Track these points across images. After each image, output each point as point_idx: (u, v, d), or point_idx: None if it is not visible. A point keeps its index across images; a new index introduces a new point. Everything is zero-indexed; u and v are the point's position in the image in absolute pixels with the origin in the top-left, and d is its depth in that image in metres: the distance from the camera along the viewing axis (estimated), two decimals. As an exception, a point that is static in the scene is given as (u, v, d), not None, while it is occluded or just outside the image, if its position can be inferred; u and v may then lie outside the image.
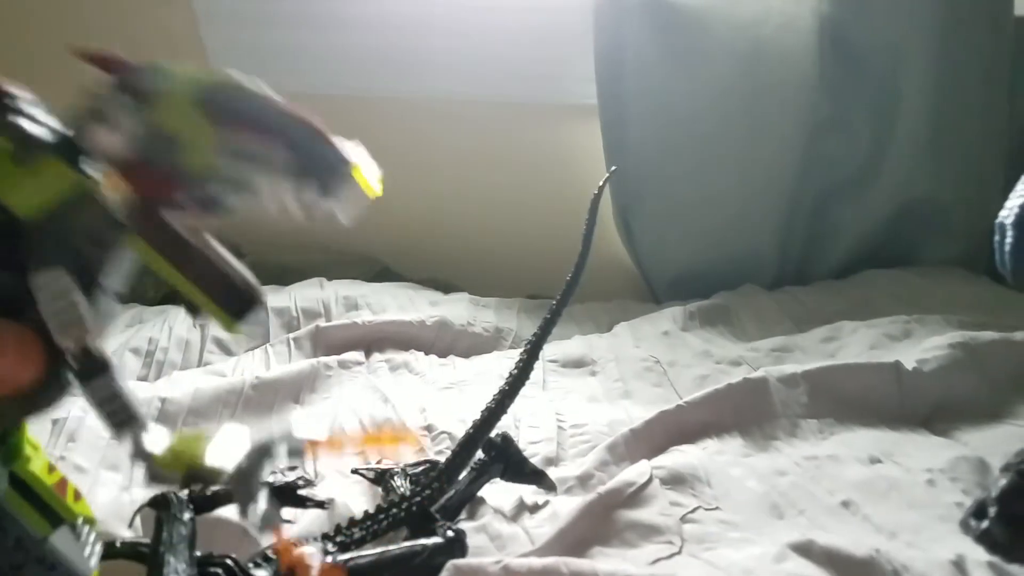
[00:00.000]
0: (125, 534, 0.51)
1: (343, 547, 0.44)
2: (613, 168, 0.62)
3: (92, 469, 0.61)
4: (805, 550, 0.47)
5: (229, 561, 0.40)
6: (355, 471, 0.58)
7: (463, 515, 0.54)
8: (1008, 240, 0.53)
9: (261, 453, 0.30)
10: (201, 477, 0.29)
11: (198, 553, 0.41)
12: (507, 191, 1.16)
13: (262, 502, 0.29)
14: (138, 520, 0.44)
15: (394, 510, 0.48)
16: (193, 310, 0.30)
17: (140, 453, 0.28)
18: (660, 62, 0.95)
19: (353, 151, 0.31)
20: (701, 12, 0.92)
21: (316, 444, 0.30)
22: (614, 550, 0.50)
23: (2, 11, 1.10)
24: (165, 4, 1.10)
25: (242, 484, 0.29)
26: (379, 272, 1.16)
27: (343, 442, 0.31)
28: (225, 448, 0.30)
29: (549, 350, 0.85)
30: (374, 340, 0.88)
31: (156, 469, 0.28)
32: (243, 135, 0.28)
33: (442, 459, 0.53)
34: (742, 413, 0.65)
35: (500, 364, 0.82)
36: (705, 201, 0.99)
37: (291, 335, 0.87)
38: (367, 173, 0.31)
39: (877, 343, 0.78)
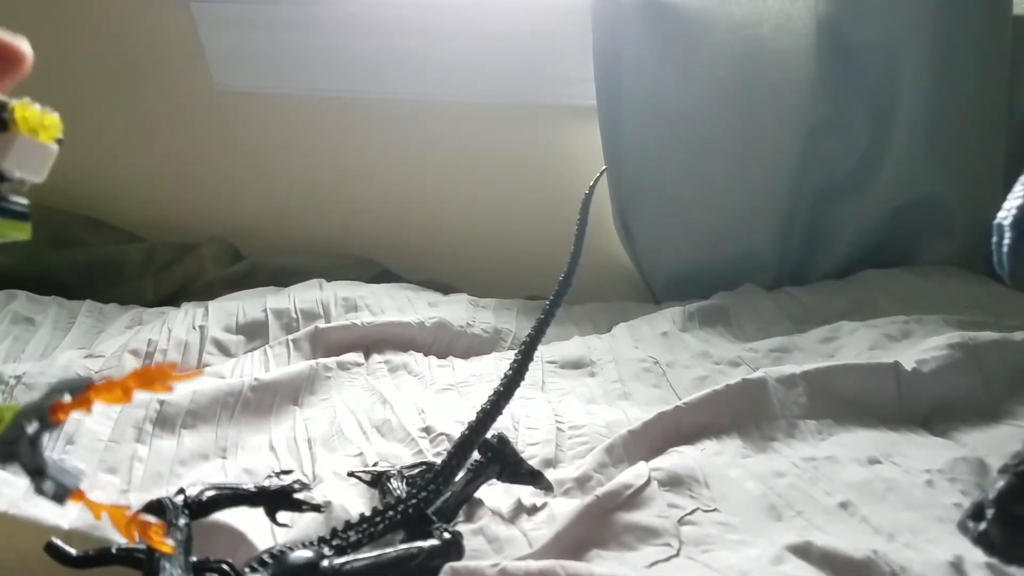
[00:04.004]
0: (121, 540, 0.51)
1: (339, 550, 0.44)
2: (603, 168, 0.62)
3: (90, 472, 0.61)
4: (803, 551, 0.47)
5: (225, 566, 0.40)
6: (351, 474, 0.58)
7: (460, 517, 0.54)
8: (1006, 241, 0.53)
9: (22, 418, 0.28)
10: None
11: (194, 558, 0.41)
12: (506, 192, 1.16)
13: (50, 470, 0.28)
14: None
15: (390, 513, 0.48)
16: None
17: None
18: (658, 62, 0.95)
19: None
20: (698, 12, 0.92)
21: (88, 394, 0.29)
22: (612, 553, 0.50)
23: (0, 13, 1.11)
24: (164, 7, 1.10)
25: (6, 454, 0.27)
26: (378, 273, 1.16)
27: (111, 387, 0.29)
28: None
29: (547, 351, 0.85)
30: (373, 341, 0.88)
31: None
32: None
33: (439, 461, 0.53)
34: (740, 414, 0.65)
35: (499, 365, 0.82)
36: (703, 201, 0.99)
37: (290, 337, 0.87)
38: (28, 117, 0.28)
39: (876, 343, 0.78)
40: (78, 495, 0.28)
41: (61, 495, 0.28)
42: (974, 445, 0.60)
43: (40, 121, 0.28)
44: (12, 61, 0.28)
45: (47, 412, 0.27)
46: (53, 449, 0.62)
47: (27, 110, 0.28)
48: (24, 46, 0.28)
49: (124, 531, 0.29)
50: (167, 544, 0.31)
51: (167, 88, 1.17)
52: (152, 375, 0.28)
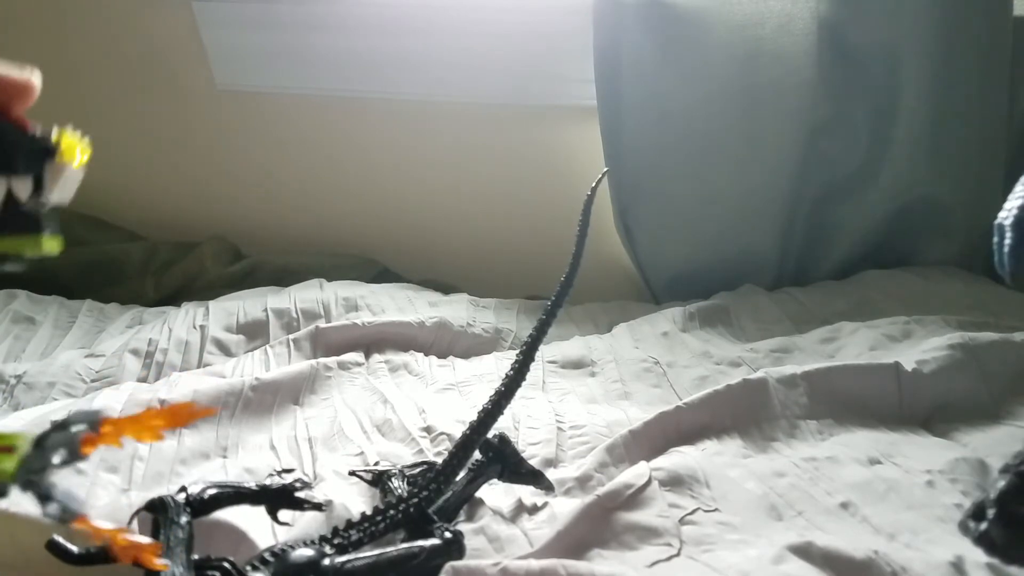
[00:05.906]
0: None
1: (341, 549, 0.44)
2: (605, 170, 0.62)
3: (91, 471, 0.61)
4: (803, 551, 0.47)
5: (227, 564, 0.40)
6: (352, 473, 0.58)
7: (461, 516, 0.54)
8: (1007, 242, 0.53)
9: (50, 449, 0.28)
10: None
11: (196, 556, 0.41)
12: (507, 192, 1.17)
13: (56, 495, 0.28)
14: (136, 523, 0.44)
15: (392, 512, 0.48)
16: None
17: None
18: (659, 63, 0.95)
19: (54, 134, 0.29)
20: (699, 12, 0.92)
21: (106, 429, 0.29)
22: (612, 552, 0.50)
23: (1, 12, 1.10)
24: (165, 6, 1.10)
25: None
26: (379, 273, 1.16)
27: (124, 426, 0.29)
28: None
29: (548, 351, 0.85)
30: (373, 341, 0.88)
31: None
32: None
33: (440, 460, 0.53)
34: (741, 414, 0.65)
35: (499, 365, 0.82)
36: (704, 201, 0.99)
37: (291, 336, 0.87)
38: (71, 147, 0.29)
39: (877, 344, 0.78)
40: (82, 521, 0.29)
41: (67, 519, 0.28)
42: (975, 445, 0.60)
43: (77, 148, 0.29)
44: (22, 93, 0.29)
45: (78, 444, 0.28)
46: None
47: (69, 140, 0.28)
48: (33, 78, 0.29)
49: (121, 556, 0.29)
50: (161, 564, 0.31)
51: (168, 87, 1.17)
52: (176, 415, 0.28)
